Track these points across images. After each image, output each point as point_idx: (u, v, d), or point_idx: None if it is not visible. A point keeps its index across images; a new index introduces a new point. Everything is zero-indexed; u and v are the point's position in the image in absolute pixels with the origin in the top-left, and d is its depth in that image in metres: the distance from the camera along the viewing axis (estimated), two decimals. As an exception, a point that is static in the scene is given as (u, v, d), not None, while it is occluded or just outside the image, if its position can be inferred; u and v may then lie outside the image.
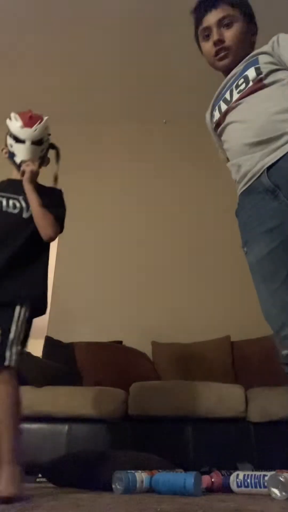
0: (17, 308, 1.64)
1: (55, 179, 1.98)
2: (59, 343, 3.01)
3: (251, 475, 1.69)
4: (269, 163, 1.24)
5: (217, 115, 1.43)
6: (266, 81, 1.30)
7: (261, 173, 1.26)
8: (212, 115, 1.47)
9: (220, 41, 1.38)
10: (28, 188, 1.78)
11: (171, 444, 2.33)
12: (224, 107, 1.39)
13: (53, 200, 1.83)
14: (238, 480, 1.74)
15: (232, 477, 1.78)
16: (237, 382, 2.74)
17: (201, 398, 2.41)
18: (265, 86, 1.30)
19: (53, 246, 3.78)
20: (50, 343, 2.98)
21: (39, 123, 1.86)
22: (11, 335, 1.59)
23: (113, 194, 3.88)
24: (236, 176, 1.35)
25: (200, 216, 3.72)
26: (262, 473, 1.66)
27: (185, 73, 3.49)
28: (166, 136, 3.97)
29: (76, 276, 3.60)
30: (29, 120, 1.83)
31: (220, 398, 2.41)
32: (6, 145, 1.87)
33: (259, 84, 1.31)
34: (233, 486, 1.75)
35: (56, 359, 2.84)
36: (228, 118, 1.37)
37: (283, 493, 1.56)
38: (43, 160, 1.92)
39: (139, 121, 3.94)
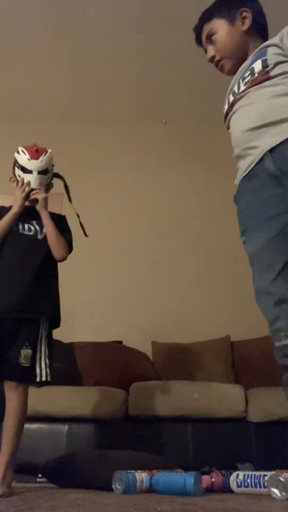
0: (41, 324, 1.84)
1: (77, 216, 2.16)
2: (59, 343, 3.00)
3: (251, 475, 1.69)
4: (271, 146, 1.20)
5: (225, 107, 1.44)
6: (272, 73, 1.30)
7: (263, 157, 1.22)
8: (223, 109, 1.48)
9: (212, 58, 1.47)
10: (44, 214, 1.96)
11: (171, 444, 2.33)
12: (231, 98, 1.41)
13: (62, 225, 2.04)
14: (238, 480, 1.74)
15: (232, 477, 1.78)
16: (237, 382, 2.74)
17: (201, 398, 2.41)
18: (270, 77, 1.29)
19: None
20: (50, 343, 2.98)
21: (44, 155, 2.01)
22: (40, 351, 1.79)
23: (113, 194, 3.88)
24: (240, 165, 1.33)
25: (200, 216, 3.72)
26: (262, 473, 1.66)
27: (185, 73, 3.49)
28: (166, 136, 3.96)
29: (76, 276, 3.59)
30: (35, 152, 2.00)
31: (220, 398, 2.42)
32: (14, 175, 2.04)
33: (265, 76, 1.30)
34: (233, 486, 1.75)
35: (56, 359, 2.83)
36: (234, 109, 1.38)
37: (283, 493, 1.56)
38: (48, 187, 2.09)
39: (139, 121, 3.94)
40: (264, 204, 1.22)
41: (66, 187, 2.17)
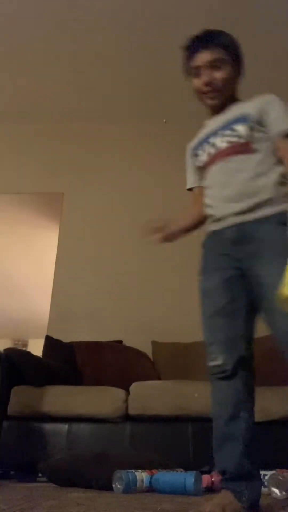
0: None
1: None
2: (59, 343, 3.01)
3: (251, 474, 1.69)
4: (238, 222, 1.40)
5: (203, 156, 1.54)
6: (253, 146, 1.42)
7: (230, 226, 1.43)
8: (196, 153, 1.59)
9: (210, 83, 1.47)
10: None
11: (171, 444, 2.33)
12: (211, 151, 1.50)
13: None
14: (238, 479, 1.74)
15: (232, 477, 1.78)
16: (237, 382, 2.74)
17: (201, 398, 2.41)
18: (251, 151, 1.42)
19: (53, 247, 3.80)
20: (50, 343, 2.98)
21: None
22: None
23: (112, 194, 3.88)
24: (210, 213, 1.52)
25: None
26: (262, 472, 1.66)
27: (185, 73, 3.49)
28: (166, 136, 3.96)
29: (76, 275, 3.59)
30: None
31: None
32: None
33: (247, 147, 1.42)
34: (233, 486, 1.75)
35: (56, 358, 2.84)
36: (214, 167, 1.49)
37: (283, 493, 1.57)
38: None
39: (139, 121, 3.94)
40: (219, 261, 1.52)
41: None
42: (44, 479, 2.03)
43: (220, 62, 1.45)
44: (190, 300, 3.46)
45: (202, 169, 1.58)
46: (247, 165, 1.41)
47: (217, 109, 1.53)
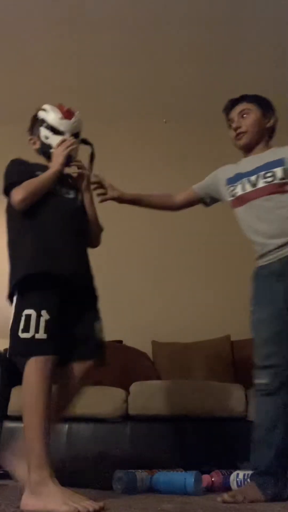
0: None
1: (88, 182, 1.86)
2: (59, 343, 3.00)
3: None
4: (282, 256, 1.63)
5: (239, 189, 1.76)
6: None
7: (275, 260, 1.65)
8: (231, 184, 1.80)
9: (238, 127, 1.80)
10: (88, 196, 1.78)
11: (171, 444, 2.33)
12: (249, 188, 1.73)
13: None
14: (238, 479, 1.75)
15: (232, 477, 1.79)
16: (237, 382, 2.74)
17: (201, 398, 2.41)
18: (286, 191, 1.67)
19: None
20: (50, 343, 2.98)
21: (76, 116, 1.78)
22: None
23: (113, 194, 3.87)
24: (260, 241, 1.70)
25: (200, 215, 3.70)
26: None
27: (185, 73, 3.49)
28: (166, 136, 3.96)
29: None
30: (67, 112, 1.75)
31: (220, 398, 2.41)
32: (38, 137, 1.78)
33: (285, 188, 1.67)
34: (233, 486, 1.76)
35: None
36: (253, 203, 1.71)
37: None
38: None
39: (139, 120, 3.94)
40: (272, 293, 1.67)
41: (92, 156, 1.87)
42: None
43: (246, 112, 1.80)
44: (190, 300, 3.47)
45: (222, 198, 1.88)
46: (285, 203, 1.66)
47: (248, 149, 1.82)
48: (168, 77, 3.57)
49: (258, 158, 1.76)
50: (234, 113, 1.83)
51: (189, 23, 3.07)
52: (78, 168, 1.77)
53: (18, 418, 2.39)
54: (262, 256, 1.69)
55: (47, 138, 1.74)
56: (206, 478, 1.84)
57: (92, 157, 1.87)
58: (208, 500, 1.49)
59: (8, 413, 2.41)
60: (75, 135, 1.77)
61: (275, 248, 1.64)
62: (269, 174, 1.70)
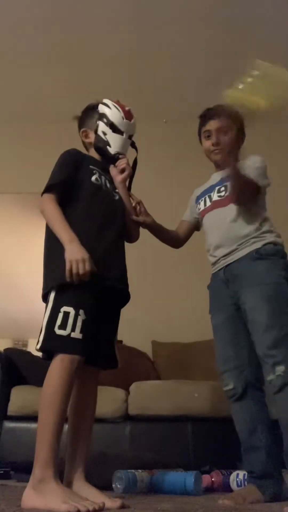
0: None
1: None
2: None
3: (251, 474, 1.69)
4: (225, 264, 1.74)
5: (202, 206, 1.90)
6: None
7: (221, 268, 1.76)
8: (198, 201, 1.95)
9: (217, 144, 1.84)
10: (125, 191, 1.76)
11: (171, 444, 2.33)
12: (208, 203, 1.87)
13: None
14: (238, 479, 1.75)
15: (232, 477, 1.79)
16: (237, 381, 2.74)
17: (201, 398, 2.41)
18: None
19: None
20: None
21: (133, 117, 1.77)
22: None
23: (113, 194, 3.87)
24: (210, 253, 1.85)
25: (200, 216, 3.72)
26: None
27: (185, 73, 3.49)
28: (166, 136, 3.96)
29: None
30: (128, 112, 1.75)
31: (220, 397, 2.41)
32: (95, 131, 1.73)
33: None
34: (233, 486, 1.76)
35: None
36: (206, 216, 1.87)
37: None
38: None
39: (139, 121, 3.94)
40: (220, 297, 1.77)
41: (135, 163, 1.89)
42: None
43: (226, 128, 1.83)
44: (190, 300, 3.47)
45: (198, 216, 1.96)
46: (227, 214, 1.76)
47: (220, 165, 1.87)
48: (168, 77, 3.57)
49: (222, 174, 1.82)
50: (213, 126, 1.85)
51: (189, 23, 3.07)
52: (122, 169, 1.76)
53: (18, 418, 2.41)
54: (212, 264, 1.82)
55: (105, 134, 1.71)
56: (206, 478, 1.84)
57: (135, 162, 1.91)
58: (208, 500, 1.49)
59: (8, 413, 2.41)
60: (131, 137, 1.80)
61: (221, 257, 1.75)
62: (222, 189, 1.81)
